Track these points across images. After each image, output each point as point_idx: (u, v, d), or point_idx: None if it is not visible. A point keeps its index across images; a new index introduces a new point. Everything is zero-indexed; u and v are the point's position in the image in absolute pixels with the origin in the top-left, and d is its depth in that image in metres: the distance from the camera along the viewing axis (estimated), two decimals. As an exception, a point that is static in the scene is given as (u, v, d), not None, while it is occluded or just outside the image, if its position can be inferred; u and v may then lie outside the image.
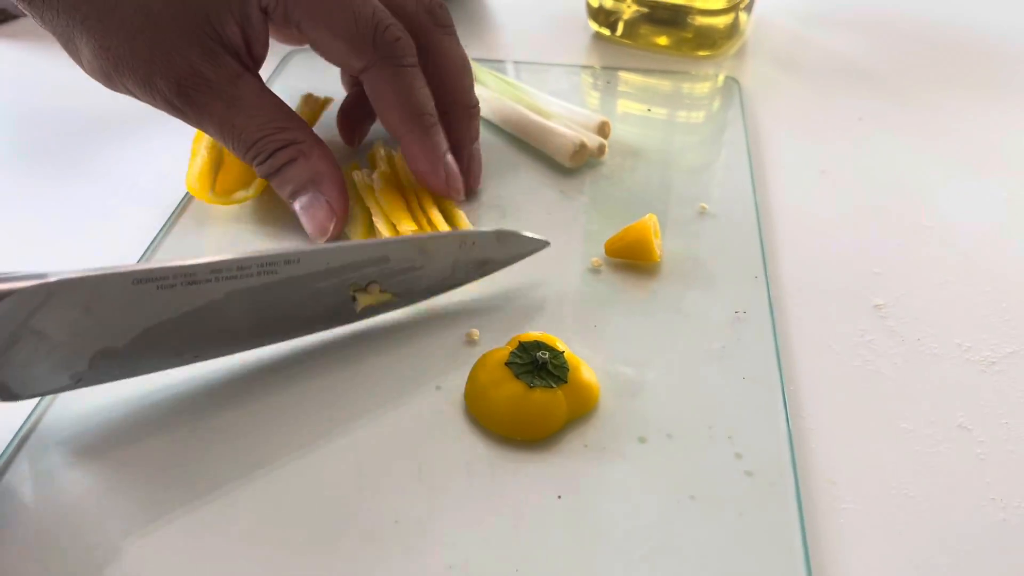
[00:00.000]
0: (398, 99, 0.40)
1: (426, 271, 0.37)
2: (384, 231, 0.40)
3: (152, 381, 0.33)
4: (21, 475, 0.31)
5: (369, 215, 0.42)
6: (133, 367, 0.32)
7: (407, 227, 0.40)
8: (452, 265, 0.37)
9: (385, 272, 0.36)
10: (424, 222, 0.41)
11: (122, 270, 0.30)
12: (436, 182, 0.42)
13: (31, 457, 0.31)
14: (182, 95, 0.37)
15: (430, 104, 0.41)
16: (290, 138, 0.39)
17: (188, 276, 0.31)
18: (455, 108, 0.42)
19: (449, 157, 0.42)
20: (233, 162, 0.44)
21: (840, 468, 0.32)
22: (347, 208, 0.40)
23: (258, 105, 0.38)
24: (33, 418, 0.32)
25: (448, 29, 0.42)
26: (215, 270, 0.31)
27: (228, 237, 0.42)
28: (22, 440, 0.32)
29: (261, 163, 0.39)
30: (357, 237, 0.41)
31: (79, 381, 0.30)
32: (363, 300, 0.36)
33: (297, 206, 0.40)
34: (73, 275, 0.29)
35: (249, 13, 0.37)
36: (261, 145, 0.38)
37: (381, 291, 0.36)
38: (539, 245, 0.39)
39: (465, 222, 0.42)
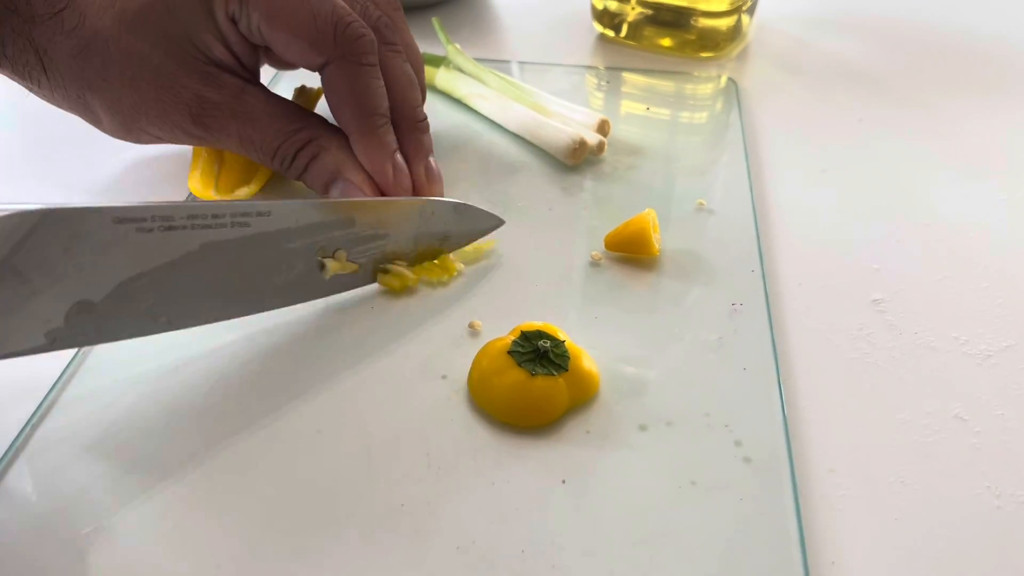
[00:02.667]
0: (353, 96, 0.39)
1: (389, 240, 0.38)
2: None
3: (156, 363, 0.34)
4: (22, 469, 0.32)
5: None
6: (108, 329, 0.32)
7: None
8: (414, 237, 0.39)
9: (351, 238, 0.37)
10: None
11: (104, 206, 0.30)
12: (384, 180, 0.41)
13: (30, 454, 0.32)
14: (197, 123, 0.38)
15: (384, 105, 0.40)
16: (307, 137, 0.39)
17: (166, 220, 0.31)
18: (403, 122, 0.42)
19: (398, 156, 0.41)
20: (234, 160, 0.45)
21: (838, 457, 0.32)
22: (375, 186, 0.41)
23: (269, 113, 0.39)
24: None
25: (394, 47, 0.41)
26: (192, 215, 0.32)
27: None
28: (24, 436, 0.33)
29: (287, 167, 0.40)
30: None
31: (54, 342, 0.30)
32: (332, 267, 0.37)
33: (333, 196, 0.40)
34: (57, 206, 0.29)
35: (222, 27, 0.38)
36: (283, 151, 0.39)
37: (348, 259, 0.37)
38: (495, 222, 0.42)
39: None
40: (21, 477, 0.31)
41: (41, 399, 0.33)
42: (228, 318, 0.35)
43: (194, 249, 0.32)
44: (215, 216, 0.32)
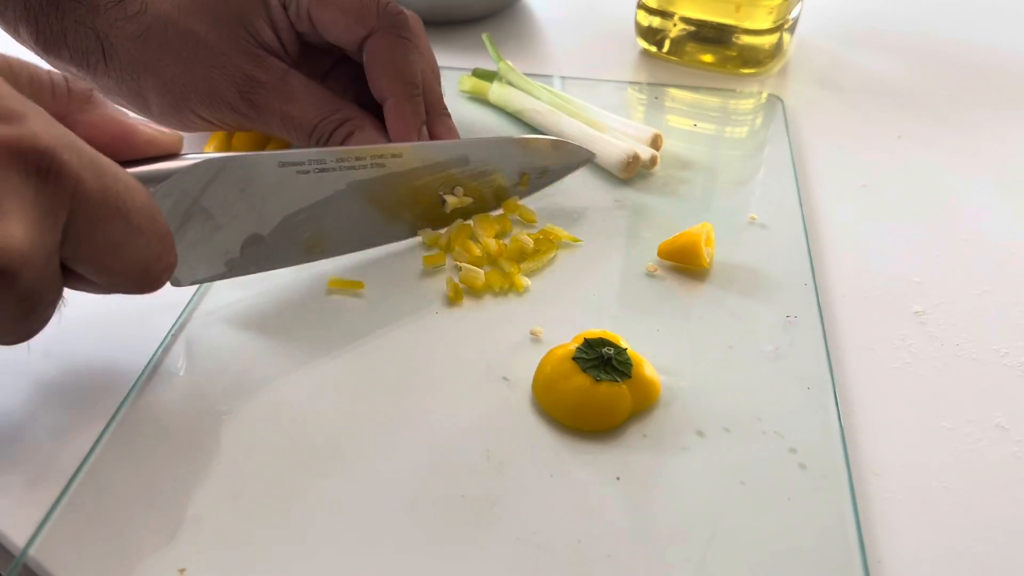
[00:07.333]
0: (393, 64, 0.43)
1: (497, 175, 0.45)
2: None
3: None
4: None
5: None
6: (274, 258, 0.38)
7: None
8: (518, 172, 0.45)
9: (466, 174, 0.43)
10: None
11: (270, 154, 0.36)
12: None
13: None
14: (245, 99, 0.42)
15: (418, 77, 0.44)
16: (343, 117, 0.43)
17: (319, 163, 0.38)
18: (431, 108, 0.46)
19: (424, 129, 0.45)
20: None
21: (884, 462, 0.34)
22: None
23: (309, 94, 0.43)
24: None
25: (419, 48, 0.45)
26: (340, 159, 0.38)
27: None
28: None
29: (324, 144, 0.43)
30: None
31: (231, 270, 0.36)
32: (451, 202, 0.43)
33: None
34: (235, 155, 0.35)
35: (273, 13, 0.42)
36: (321, 128, 0.43)
37: (464, 195, 0.44)
38: (587, 155, 0.48)
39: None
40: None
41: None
42: (370, 247, 0.42)
43: (342, 188, 0.39)
44: (358, 159, 0.39)
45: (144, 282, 0.30)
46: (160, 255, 0.29)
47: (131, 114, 0.32)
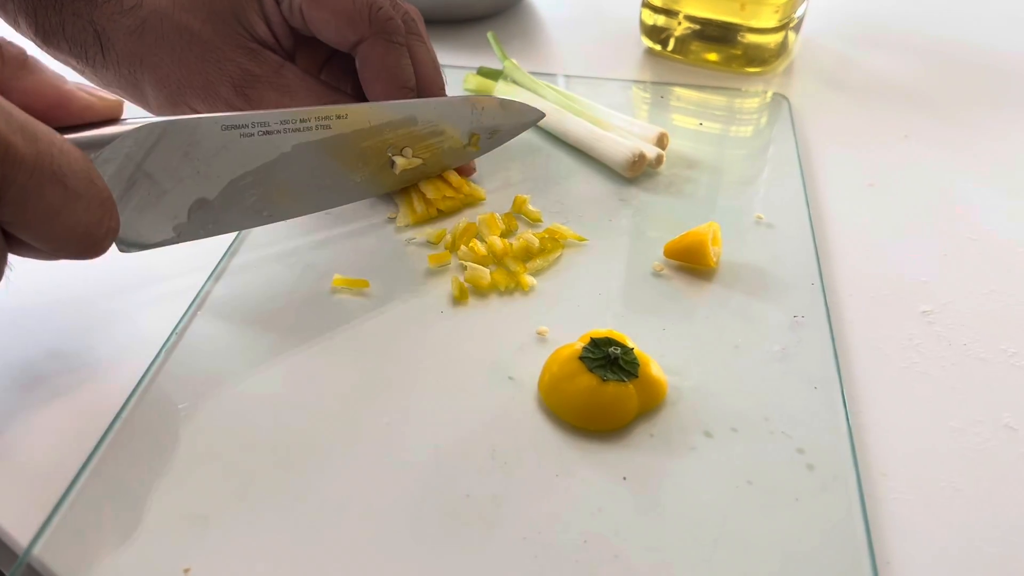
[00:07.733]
0: (386, 70, 0.43)
1: (447, 136, 0.45)
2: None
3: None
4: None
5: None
6: (222, 222, 0.38)
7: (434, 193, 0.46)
8: (468, 132, 0.46)
9: (415, 135, 0.43)
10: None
11: (212, 115, 0.36)
12: None
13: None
14: (240, 95, 0.42)
15: (411, 81, 0.44)
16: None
17: (263, 125, 0.37)
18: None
19: None
20: None
21: (892, 462, 0.34)
22: None
23: (305, 87, 0.43)
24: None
25: (419, 37, 0.46)
26: (284, 120, 0.38)
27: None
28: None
29: None
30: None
31: (180, 234, 0.36)
32: (400, 163, 0.43)
33: None
34: (175, 118, 0.34)
35: (267, 8, 0.42)
36: None
37: (413, 156, 0.44)
38: (536, 114, 0.49)
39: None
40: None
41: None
42: (318, 211, 0.42)
43: (287, 150, 0.39)
44: (303, 120, 0.39)
45: (86, 247, 0.29)
46: (101, 219, 0.29)
47: (68, 79, 0.31)
